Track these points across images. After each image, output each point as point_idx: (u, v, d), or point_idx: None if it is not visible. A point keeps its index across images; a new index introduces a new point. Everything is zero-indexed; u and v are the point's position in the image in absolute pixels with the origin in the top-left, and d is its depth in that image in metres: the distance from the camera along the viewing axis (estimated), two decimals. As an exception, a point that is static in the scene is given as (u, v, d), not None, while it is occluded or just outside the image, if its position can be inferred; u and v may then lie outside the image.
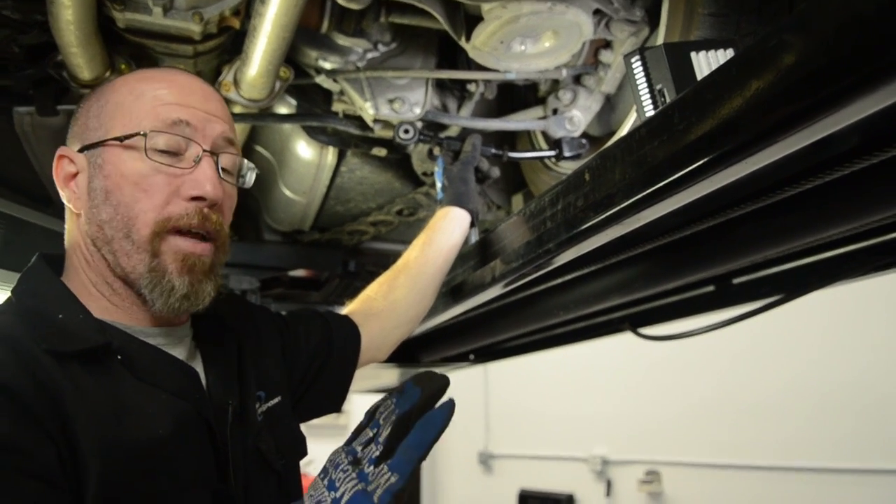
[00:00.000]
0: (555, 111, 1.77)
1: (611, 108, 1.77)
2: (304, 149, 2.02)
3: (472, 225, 1.57)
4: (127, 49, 1.51)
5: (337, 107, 1.78)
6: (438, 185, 1.66)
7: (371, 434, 0.80)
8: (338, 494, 0.75)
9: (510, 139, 2.04)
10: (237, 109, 1.67)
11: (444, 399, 0.83)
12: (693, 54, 1.05)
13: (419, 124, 1.69)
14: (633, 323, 2.21)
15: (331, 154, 2.02)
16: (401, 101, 1.67)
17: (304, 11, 1.35)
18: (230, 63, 1.58)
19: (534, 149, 1.91)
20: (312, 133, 1.93)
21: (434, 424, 0.79)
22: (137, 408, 0.90)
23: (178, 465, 0.90)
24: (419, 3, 1.40)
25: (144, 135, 0.95)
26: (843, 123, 0.67)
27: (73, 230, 1.02)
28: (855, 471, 3.52)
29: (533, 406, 5.50)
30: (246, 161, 1.08)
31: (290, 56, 1.58)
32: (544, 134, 1.87)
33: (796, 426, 3.78)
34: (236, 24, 1.49)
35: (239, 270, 2.40)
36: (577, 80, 1.73)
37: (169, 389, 0.95)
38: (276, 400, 1.14)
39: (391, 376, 3.04)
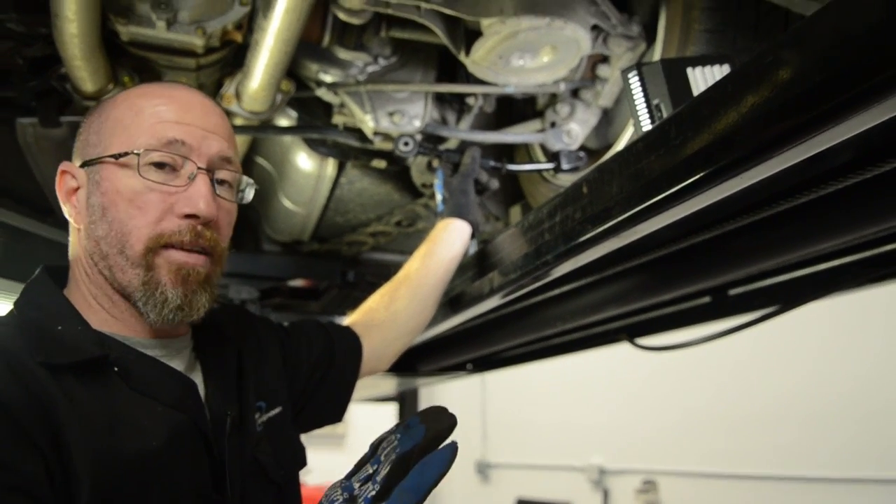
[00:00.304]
0: (553, 124, 1.78)
1: (608, 121, 1.78)
2: (304, 160, 2.03)
3: (473, 236, 1.59)
4: (130, 62, 1.52)
5: (337, 119, 1.79)
6: (439, 197, 1.67)
7: (370, 471, 0.77)
8: None
9: (508, 152, 2.05)
10: (238, 121, 1.69)
11: (449, 440, 0.79)
12: (689, 70, 1.06)
13: (419, 137, 1.71)
14: (631, 333, 2.22)
15: (331, 166, 2.03)
16: (400, 114, 1.69)
17: (305, 26, 1.36)
18: (232, 76, 1.60)
19: (532, 161, 1.93)
20: (313, 145, 1.94)
21: (434, 468, 0.75)
22: (132, 419, 0.90)
23: (171, 476, 0.90)
24: (419, 18, 1.42)
25: (138, 154, 0.96)
26: (838, 139, 0.68)
27: (74, 244, 1.03)
28: (851, 480, 3.53)
29: (530, 415, 5.50)
30: (245, 177, 1.09)
31: (292, 69, 1.59)
32: (542, 147, 1.88)
33: (793, 435, 3.79)
34: (239, 38, 1.51)
35: (238, 280, 2.41)
36: (575, 94, 1.75)
37: (165, 401, 0.96)
38: (276, 410, 1.15)
39: (390, 386, 3.04)
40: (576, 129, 1.75)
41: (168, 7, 1.37)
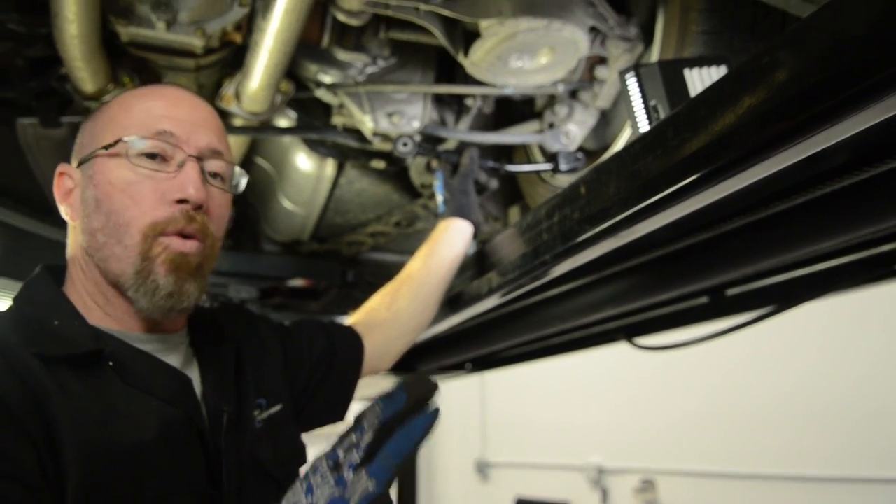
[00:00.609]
0: (551, 125, 1.79)
1: (606, 122, 1.79)
2: (303, 161, 2.03)
3: (475, 236, 1.59)
4: (130, 63, 1.53)
5: (336, 120, 1.80)
6: (439, 197, 1.68)
7: (354, 440, 0.80)
8: (314, 499, 0.76)
9: (507, 152, 2.06)
10: (238, 122, 1.69)
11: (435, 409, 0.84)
12: (687, 71, 1.07)
13: (417, 137, 1.71)
14: (629, 333, 2.22)
15: (330, 166, 2.04)
16: (399, 115, 1.69)
17: (304, 27, 1.37)
18: (231, 76, 1.60)
19: (530, 162, 1.94)
20: (312, 145, 1.95)
21: (415, 433, 0.80)
22: (126, 413, 0.91)
23: (163, 470, 0.91)
24: (418, 19, 1.42)
25: (127, 141, 0.98)
26: (834, 140, 0.69)
27: (72, 242, 1.05)
28: (849, 479, 3.53)
29: (529, 415, 5.51)
30: (237, 168, 1.10)
31: (291, 70, 1.59)
32: (541, 147, 1.89)
33: (791, 435, 3.79)
34: (238, 38, 1.51)
35: (238, 280, 2.41)
36: (573, 95, 1.76)
37: (159, 395, 0.96)
38: (276, 408, 1.15)
39: (391, 385, 3.03)
40: (574, 130, 1.75)
41: (168, 8, 1.37)
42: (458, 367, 3.03)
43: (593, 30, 1.49)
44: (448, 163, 1.73)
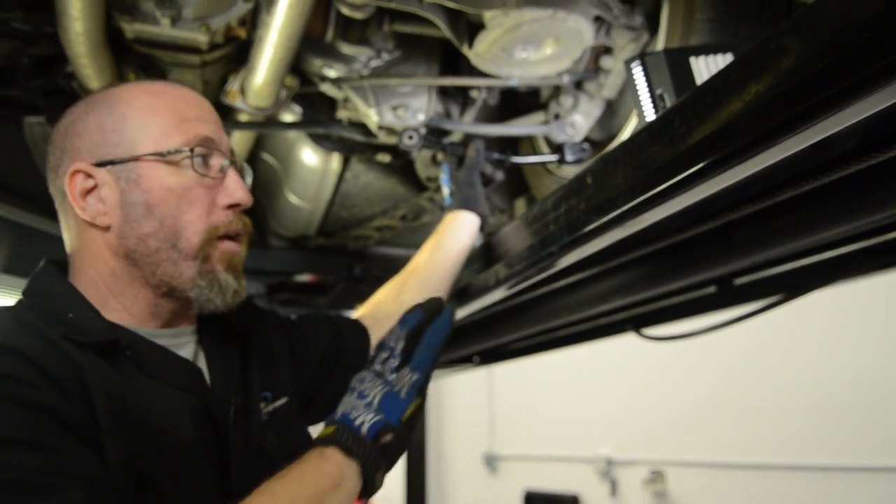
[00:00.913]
0: (556, 116, 1.79)
1: (612, 112, 1.79)
2: (309, 155, 2.03)
3: (482, 228, 1.59)
4: (135, 59, 1.53)
5: (341, 114, 1.80)
6: (446, 190, 1.67)
7: (386, 355, 0.97)
8: (368, 399, 0.92)
9: (512, 144, 2.06)
10: (243, 117, 1.69)
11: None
12: (693, 59, 1.07)
13: (423, 130, 1.71)
14: (637, 324, 2.22)
15: (335, 160, 2.04)
16: (404, 108, 1.69)
17: (308, 21, 1.37)
18: (236, 72, 1.60)
19: (536, 154, 1.93)
20: (317, 140, 1.95)
21: (441, 328, 0.99)
22: (145, 399, 0.93)
23: (178, 455, 0.92)
24: (422, 11, 1.42)
25: (191, 151, 1.01)
26: (841, 126, 0.68)
27: (89, 243, 1.02)
28: (859, 468, 3.52)
29: (537, 407, 5.51)
30: (245, 165, 1.15)
31: (295, 65, 1.60)
32: (546, 139, 1.89)
33: (800, 424, 3.79)
34: (242, 34, 1.51)
35: (246, 275, 2.41)
36: (579, 85, 1.75)
37: (174, 384, 0.98)
38: (282, 400, 1.16)
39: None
40: (579, 120, 1.75)
41: (172, 4, 1.37)
42: (465, 361, 3.04)
43: (598, 19, 1.48)
44: (454, 155, 1.73)
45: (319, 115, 1.85)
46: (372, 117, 1.69)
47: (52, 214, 1.07)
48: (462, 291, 1.62)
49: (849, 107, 0.64)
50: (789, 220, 1.27)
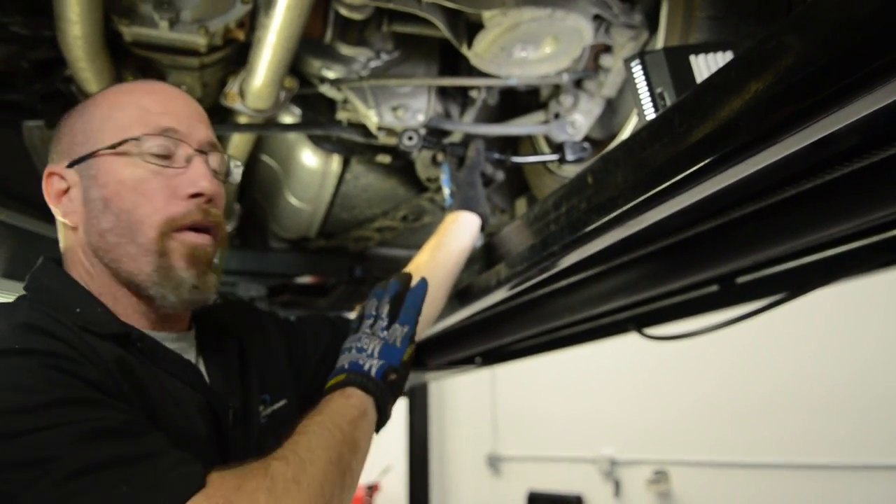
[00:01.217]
0: (556, 115, 1.78)
1: (612, 111, 1.78)
2: (309, 157, 2.03)
3: (483, 228, 1.59)
4: (134, 62, 1.53)
5: (341, 115, 1.80)
6: (446, 190, 1.67)
7: (372, 320, 1.12)
8: (369, 351, 1.07)
9: (513, 144, 2.05)
10: (243, 119, 1.69)
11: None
12: (692, 57, 1.06)
13: (422, 131, 1.71)
14: (639, 323, 2.21)
15: (335, 162, 2.04)
16: (404, 109, 1.69)
17: (307, 22, 1.37)
18: (235, 74, 1.60)
19: (536, 153, 1.93)
20: (317, 141, 1.95)
21: (419, 293, 1.16)
22: (164, 389, 0.94)
23: (193, 448, 0.92)
24: (420, 12, 1.42)
25: (137, 139, 0.98)
26: (842, 123, 0.68)
27: (70, 244, 1.03)
28: (862, 467, 3.52)
29: (540, 408, 5.51)
30: (232, 158, 1.12)
31: (295, 66, 1.59)
32: (546, 138, 1.88)
33: (803, 423, 3.78)
34: (241, 36, 1.51)
35: (246, 278, 2.42)
36: (579, 84, 1.75)
37: (183, 379, 0.98)
38: (281, 403, 1.16)
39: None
40: (580, 119, 1.75)
41: (170, 7, 1.37)
42: (467, 362, 3.03)
43: (597, 18, 1.48)
44: (454, 156, 1.73)
45: (319, 116, 1.85)
46: (371, 118, 1.68)
47: (50, 218, 1.06)
48: (463, 292, 1.62)
49: (849, 104, 0.64)
50: (791, 218, 1.26)
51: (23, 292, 1.00)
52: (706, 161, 0.80)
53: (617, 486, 4.78)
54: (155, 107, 1.01)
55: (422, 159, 1.95)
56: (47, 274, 1.02)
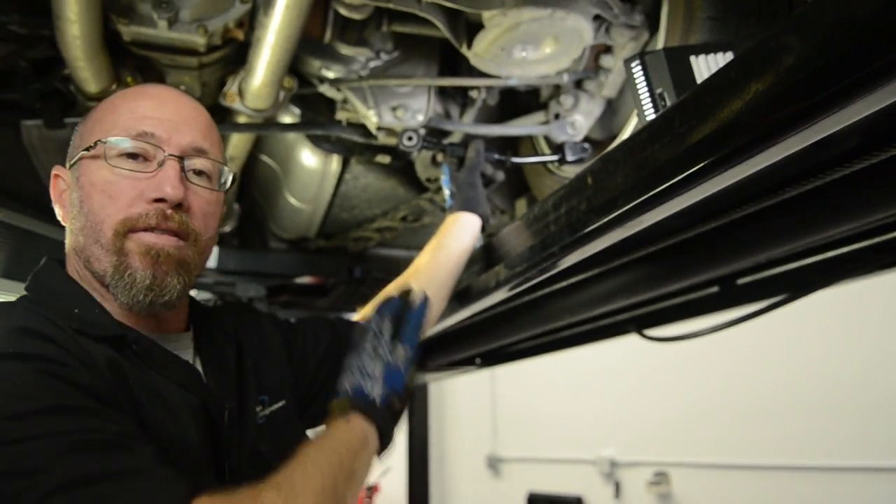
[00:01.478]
0: (557, 116, 1.78)
1: (612, 112, 1.78)
2: (308, 157, 2.03)
3: (483, 229, 1.58)
4: (133, 62, 1.53)
5: (340, 115, 1.79)
6: (447, 191, 1.66)
7: (376, 335, 1.11)
8: (373, 375, 1.05)
9: (513, 144, 2.05)
10: (242, 119, 1.69)
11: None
12: (693, 58, 1.06)
13: (422, 131, 1.70)
14: (639, 325, 2.21)
15: (335, 162, 2.04)
16: (404, 109, 1.68)
17: (306, 22, 1.36)
18: (235, 74, 1.60)
19: (536, 153, 1.92)
20: (316, 142, 1.95)
21: (420, 312, 1.17)
22: (157, 393, 0.94)
23: (181, 448, 0.92)
24: (420, 11, 1.41)
25: (105, 142, 0.98)
26: (842, 124, 0.68)
27: (68, 245, 1.05)
28: (863, 469, 3.51)
29: (540, 409, 5.50)
30: (224, 166, 1.10)
31: (294, 66, 1.59)
32: (546, 139, 1.88)
33: (804, 425, 3.77)
34: (240, 35, 1.51)
35: (246, 278, 2.41)
36: (579, 84, 1.74)
37: (177, 381, 0.98)
38: (279, 404, 1.16)
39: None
40: (580, 120, 1.74)
41: (169, 6, 1.37)
42: (467, 363, 3.03)
43: (597, 18, 1.47)
44: (454, 156, 1.72)
45: (318, 116, 1.84)
46: (371, 118, 1.68)
47: (51, 218, 1.08)
48: (463, 293, 1.61)
49: (850, 105, 0.64)
50: (791, 219, 1.26)
51: (23, 292, 1.01)
52: (706, 162, 0.80)
53: (617, 488, 4.77)
54: (142, 110, 1.02)
55: (422, 160, 1.95)
56: (48, 274, 1.03)
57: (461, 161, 1.71)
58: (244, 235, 2.56)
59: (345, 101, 1.74)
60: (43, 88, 1.55)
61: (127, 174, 0.98)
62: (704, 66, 1.05)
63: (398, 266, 1.58)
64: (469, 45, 1.46)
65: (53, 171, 1.06)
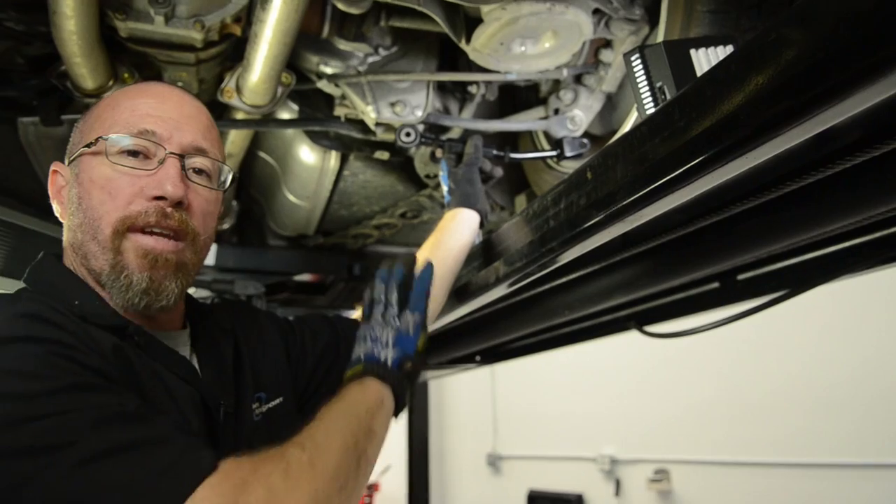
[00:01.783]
0: (556, 111, 1.77)
1: (612, 106, 1.77)
2: (306, 154, 2.02)
3: (482, 225, 1.58)
4: (130, 58, 1.52)
5: (339, 111, 1.78)
6: (445, 188, 1.66)
7: (382, 308, 1.11)
8: (383, 341, 1.07)
9: (512, 140, 2.04)
10: (240, 115, 1.68)
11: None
12: (693, 51, 1.05)
13: (421, 127, 1.69)
14: (639, 321, 2.20)
15: (333, 158, 2.03)
16: (402, 105, 1.68)
17: (304, 17, 1.36)
18: (232, 70, 1.59)
19: (536, 149, 1.92)
20: (315, 138, 1.94)
21: (426, 278, 1.16)
22: (161, 382, 0.94)
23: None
24: (419, 6, 1.41)
25: (106, 139, 0.98)
26: (842, 116, 0.67)
27: (65, 240, 1.05)
28: (863, 466, 3.51)
29: (540, 406, 5.50)
30: (224, 166, 1.10)
31: (292, 61, 1.58)
32: (546, 134, 1.87)
33: (804, 422, 3.77)
34: (237, 30, 1.50)
35: (244, 276, 2.41)
36: (578, 79, 1.74)
37: (177, 373, 0.98)
38: (277, 401, 1.16)
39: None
40: (579, 115, 1.73)
41: (166, 2, 1.36)
42: (467, 360, 3.03)
43: (597, 12, 1.47)
44: (452, 152, 1.72)
45: (316, 112, 1.83)
46: (369, 114, 1.67)
47: (48, 215, 1.08)
48: (462, 289, 1.61)
49: (850, 97, 0.63)
50: (792, 214, 1.25)
51: (21, 286, 1.01)
52: (706, 155, 0.80)
53: (618, 486, 4.78)
54: (143, 108, 1.02)
55: (420, 155, 1.94)
56: (46, 267, 1.03)
57: (460, 157, 1.70)
58: (242, 232, 2.55)
59: (343, 96, 1.74)
60: (39, 85, 1.54)
61: (127, 171, 0.98)
62: (704, 60, 1.05)
63: (397, 263, 1.57)
64: (468, 40, 1.46)
65: (52, 168, 1.06)
